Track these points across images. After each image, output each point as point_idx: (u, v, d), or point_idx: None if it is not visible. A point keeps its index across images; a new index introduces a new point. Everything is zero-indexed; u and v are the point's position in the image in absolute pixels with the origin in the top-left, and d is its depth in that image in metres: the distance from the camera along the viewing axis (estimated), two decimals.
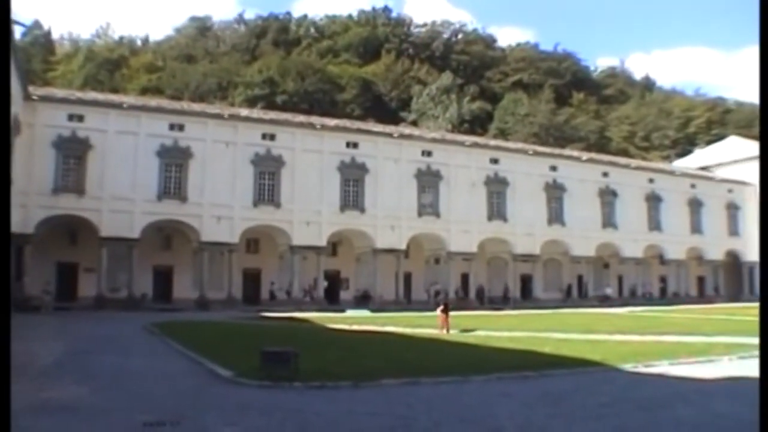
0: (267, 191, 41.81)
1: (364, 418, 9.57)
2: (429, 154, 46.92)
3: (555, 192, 51.32)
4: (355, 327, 26.61)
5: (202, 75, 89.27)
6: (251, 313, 34.23)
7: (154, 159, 39.19)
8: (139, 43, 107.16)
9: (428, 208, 46.27)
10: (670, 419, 9.35)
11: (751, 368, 14.04)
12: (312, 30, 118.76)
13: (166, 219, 39.68)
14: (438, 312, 25.09)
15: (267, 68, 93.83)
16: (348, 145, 44.55)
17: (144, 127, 39.34)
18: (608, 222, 53.57)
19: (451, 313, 25.30)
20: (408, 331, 24.93)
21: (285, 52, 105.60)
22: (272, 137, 42.43)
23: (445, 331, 23.75)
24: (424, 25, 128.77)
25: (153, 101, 47.35)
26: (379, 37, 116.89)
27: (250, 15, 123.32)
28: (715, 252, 59.53)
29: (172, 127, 40.12)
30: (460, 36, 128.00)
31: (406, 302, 43.69)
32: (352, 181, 44.28)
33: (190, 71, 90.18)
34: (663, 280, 59.03)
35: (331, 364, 14.09)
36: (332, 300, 43.12)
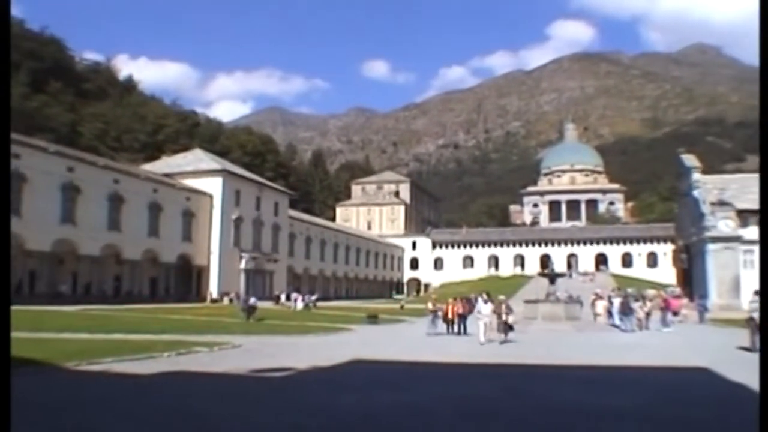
0: None
1: None
2: None
3: (14, 182, 47.87)
4: None
5: None
6: None
7: None
8: None
9: None
10: (103, 416, 9.70)
11: (185, 364, 15.53)
12: None
13: None
14: None
15: None
16: None
17: None
18: (68, 218, 52.37)
19: None
20: None
21: None
22: None
23: None
24: None
25: None
26: None
27: None
28: (170, 255, 63.54)
29: None
30: None
31: None
32: None
33: None
34: (118, 279, 60.29)
35: None
36: None
